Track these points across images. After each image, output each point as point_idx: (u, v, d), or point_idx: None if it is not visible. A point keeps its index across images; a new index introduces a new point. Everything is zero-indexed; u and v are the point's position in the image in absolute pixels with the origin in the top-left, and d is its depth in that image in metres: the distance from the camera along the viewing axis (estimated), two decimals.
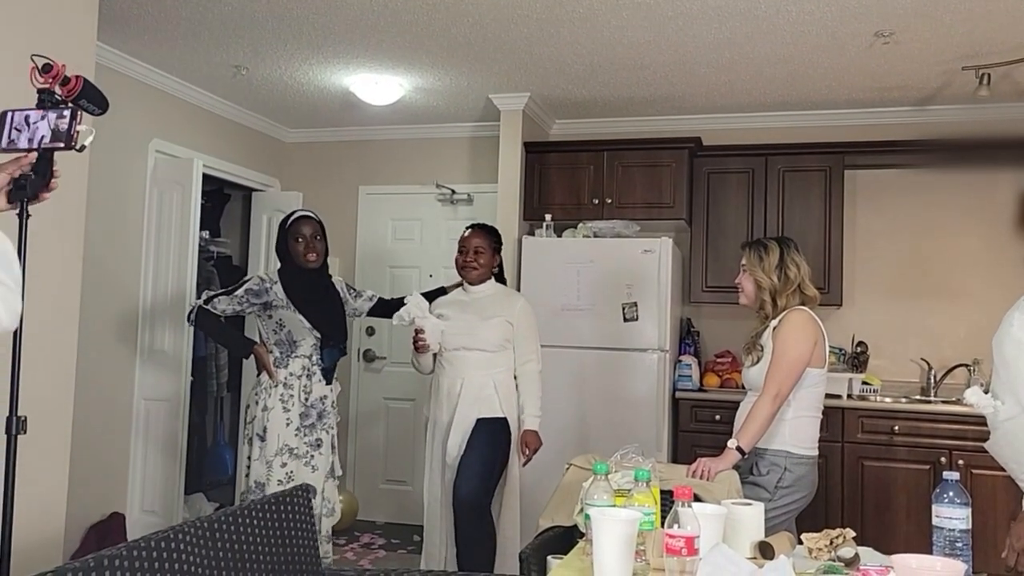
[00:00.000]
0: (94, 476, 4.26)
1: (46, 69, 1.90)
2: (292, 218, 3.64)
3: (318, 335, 3.55)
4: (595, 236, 4.74)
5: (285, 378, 3.49)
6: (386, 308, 3.93)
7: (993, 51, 3.88)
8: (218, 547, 1.90)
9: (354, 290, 3.90)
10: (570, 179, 4.97)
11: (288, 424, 3.46)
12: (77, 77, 1.95)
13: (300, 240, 3.57)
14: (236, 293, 3.51)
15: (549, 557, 2.17)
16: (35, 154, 1.83)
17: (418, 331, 3.53)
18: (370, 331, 5.64)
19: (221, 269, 5.49)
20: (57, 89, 1.92)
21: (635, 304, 4.52)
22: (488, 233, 3.69)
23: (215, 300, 3.50)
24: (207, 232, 5.39)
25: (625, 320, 4.53)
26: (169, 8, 3.74)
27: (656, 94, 4.76)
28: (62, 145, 1.84)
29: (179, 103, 4.90)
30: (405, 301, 3.59)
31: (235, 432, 5.59)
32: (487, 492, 3.45)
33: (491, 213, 5.02)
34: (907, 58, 4.05)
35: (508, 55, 4.21)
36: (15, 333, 1.92)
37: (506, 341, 3.57)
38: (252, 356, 3.57)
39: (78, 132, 1.86)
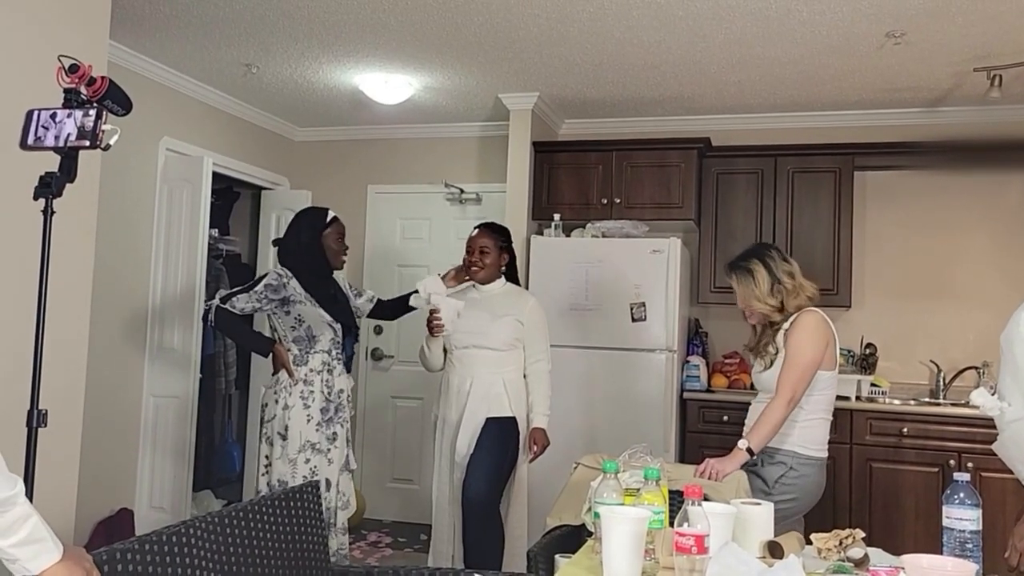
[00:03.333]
0: (103, 472, 4.28)
1: (72, 69, 1.92)
2: (331, 217, 3.64)
3: (336, 327, 3.55)
4: (603, 236, 4.74)
5: (305, 375, 3.49)
6: (385, 309, 3.92)
7: (1005, 52, 3.87)
8: (228, 542, 1.91)
9: (355, 289, 3.90)
10: (579, 179, 4.97)
11: (309, 420, 3.46)
12: (102, 78, 1.97)
13: (340, 240, 3.63)
14: (255, 289, 3.46)
15: (557, 556, 2.17)
16: None
17: (433, 311, 3.53)
18: (378, 330, 5.65)
19: (230, 267, 5.51)
20: (83, 89, 1.94)
21: (643, 304, 4.52)
22: (495, 232, 3.68)
23: (233, 298, 3.46)
24: (216, 230, 5.40)
25: (633, 320, 4.52)
26: (180, 7, 3.76)
27: (665, 94, 4.76)
28: (88, 144, 1.86)
29: (189, 101, 4.92)
30: (423, 277, 3.61)
31: (243, 430, 5.61)
32: (496, 491, 3.45)
33: (500, 213, 5.02)
34: (918, 59, 4.04)
35: (517, 54, 4.22)
36: (36, 328, 1.94)
37: (516, 340, 3.57)
38: (271, 355, 3.56)
39: (103, 131, 1.88)
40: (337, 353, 3.57)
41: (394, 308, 3.91)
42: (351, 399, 3.67)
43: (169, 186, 4.72)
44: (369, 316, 3.95)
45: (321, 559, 2.29)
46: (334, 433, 3.54)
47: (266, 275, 3.55)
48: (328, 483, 3.47)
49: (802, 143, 4.82)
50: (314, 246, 3.57)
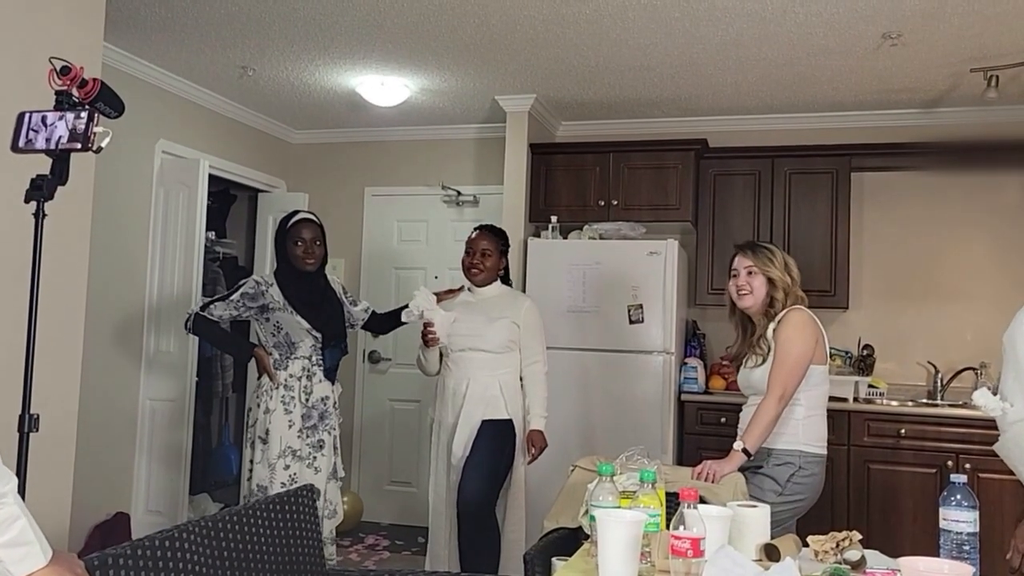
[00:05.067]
0: (99, 476, 4.26)
1: (64, 71, 1.91)
2: (293, 220, 3.59)
3: (317, 335, 3.52)
4: (601, 238, 4.73)
5: (285, 380, 3.47)
6: (378, 323, 3.89)
7: (1001, 53, 3.87)
8: (222, 547, 1.90)
9: (351, 297, 3.85)
10: (576, 181, 4.97)
11: (291, 426, 3.44)
12: (94, 80, 1.96)
13: (300, 244, 3.53)
14: (232, 298, 3.48)
15: (554, 559, 2.17)
16: None
17: (427, 324, 3.52)
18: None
19: (227, 270, 5.49)
20: (74, 91, 1.93)
21: (640, 306, 4.51)
22: (496, 235, 3.69)
23: (211, 306, 3.47)
24: (213, 233, 5.39)
25: (630, 322, 4.52)
26: (175, 9, 3.75)
27: (662, 96, 4.76)
28: (79, 146, 1.85)
29: (185, 104, 4.91)
30: (413, 295, 3.57)
31: (240, 433, 5.59)
32: (492, 494, 3.45)
33: (497, 215, 5.01)
34: (915, 60, 4.04)
35: (514, 56, 4.21)
36: (28, 332, 1.93)
37: (512, 342, 3.57)
38: (253, 359, 3.56)
39: (95, 134, 1.88)
40: (318, 359, 3.53)
41: (387, 322, 3.88)
42: (338, 406, 3.63)
43: (165, 189, 4.72)
44: (363, 328, 3.93)
45: (317, 563, 2.28)
46: (320, 441, 3.50)
47: (245, 282, 3.54)
48: (316, 491, 3.43)
49: (799, 144, 4.82)
50: (281, 250, 3.56)
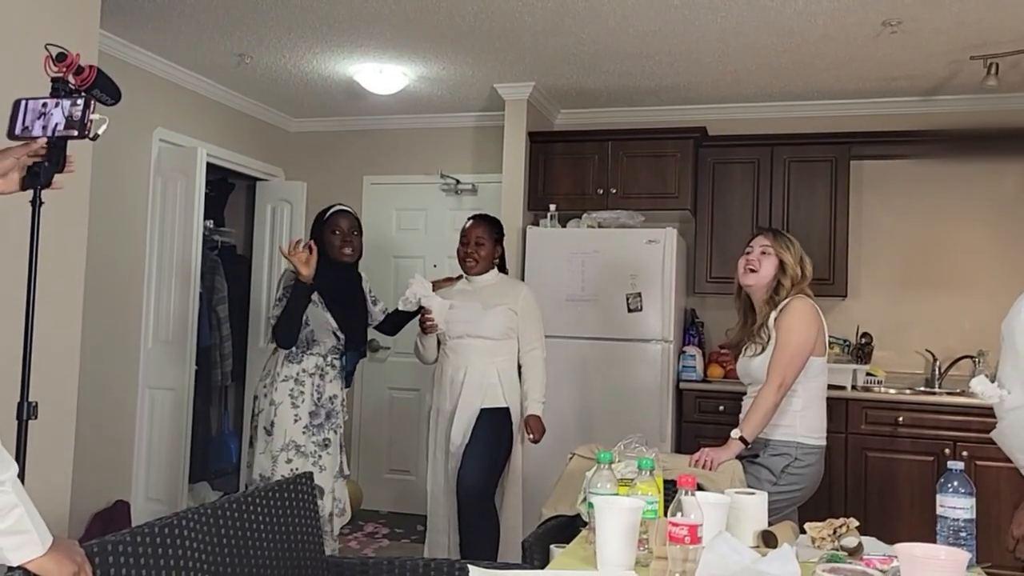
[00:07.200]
0: (99, 464, 4.27)
1: (60, 58, 1.90)
2: (331, 211, 3.56)
3: (340, 336, 3.48)
4: (599, 226, 4.73)
5: (297, 374, 3.45)
6: (390, 324, 3.83)
7: (1001, 41, 3.86)
8: (221, 534, 1.90)
9: (373, 295, 3.79)
10: (575, 169, 4.96)
11: (296, 421, 3.40)
12: (91, 67, 1.95)
13: (337, 233, 3.49)
14: (276, 297, 3.45)
15: (552, 546, 2.17)
16: (45, 140, 1.84)
17: (425, 311, 3.52)
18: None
19: (225, 258, 5.49)
20: (71, 78, 1.92)
21: (639, 295, 4.51)
22: (490, 224, 3.68)
23: (270, 316, 3.47)
24: (211, 221, 5.38)
25: (629, 311, 4.52)
26: None
27: (661, 84, 4.74)
28: (76, 134, 1.85)
29: (183, 92, 4.89)
30: (409, 282, 3.54)
31: (239, 421, 5.60)
32: (491, 482, 3.46)
33: (495, 203, 5.01)
34: (914, 48, 4.03)
35: (513, 44, 4.20)
36: (26, 320, 1.93)
37: (509, 330, 3.57)
38: (306, 288, 3.34)
39: (92, 121, 1.87)
40: (333, 359, 3.49)
41: (395, 322, 3.82)
42: (345, 404, 3.58)
43: (163, 177, 4.71)
44: (376, 328, 3.84)
45: (316, 550, 2.29)
46: (326, 439, 3.45)
47: (283, 275, 3.50)
48: (321, 491, 3.37)
49: (798, 132, 4.81)
50: (318, 242, 3.46)
